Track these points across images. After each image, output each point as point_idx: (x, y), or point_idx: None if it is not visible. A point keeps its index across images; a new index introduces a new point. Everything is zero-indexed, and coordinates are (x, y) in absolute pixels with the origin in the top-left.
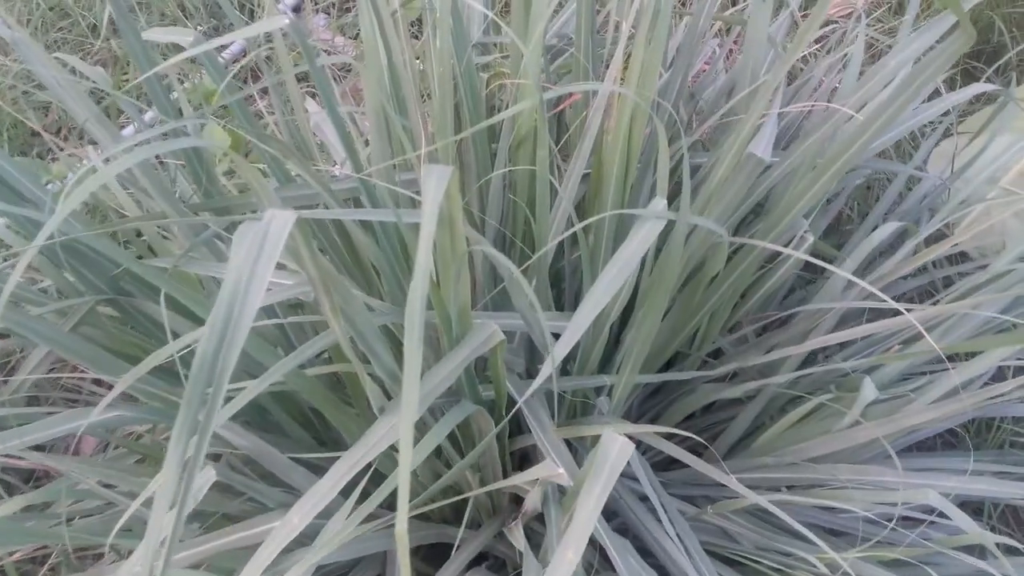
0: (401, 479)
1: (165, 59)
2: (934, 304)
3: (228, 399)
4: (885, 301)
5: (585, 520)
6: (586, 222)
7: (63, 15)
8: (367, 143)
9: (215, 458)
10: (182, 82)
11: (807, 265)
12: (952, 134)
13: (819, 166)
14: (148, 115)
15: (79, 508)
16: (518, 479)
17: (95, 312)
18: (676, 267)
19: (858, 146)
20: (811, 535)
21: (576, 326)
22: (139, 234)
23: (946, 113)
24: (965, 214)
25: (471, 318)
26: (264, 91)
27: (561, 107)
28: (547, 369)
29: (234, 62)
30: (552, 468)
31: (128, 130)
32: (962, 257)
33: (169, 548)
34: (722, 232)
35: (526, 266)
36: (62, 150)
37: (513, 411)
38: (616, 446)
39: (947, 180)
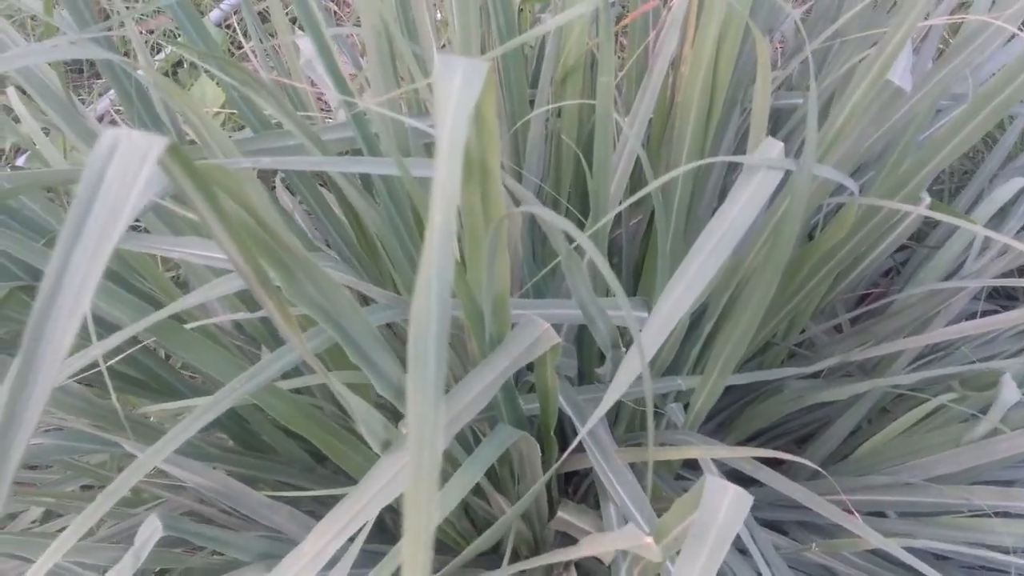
0: None
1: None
2: None
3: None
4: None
5: None
6: (668, 176)
7: None
8: (369, 84)
9: (179, 489)
10: (176, 35)
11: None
12: None
13: (972, 103)
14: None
15: None
16: (588, 550)
17: (17, 299)
18: (792, 237)
19: None
20: None
21: (660, 322)
22: None
23: None
24: None
25: (510, 311)
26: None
27: (626, 20)
28: (622, 382)
29: (234, 14)
30: (637, 536)
31: (103, 103)
32: None
33: None
34: (854, 187)
35: (589, 232)
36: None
37: (573, 444)
38: (725, 501)
39: None
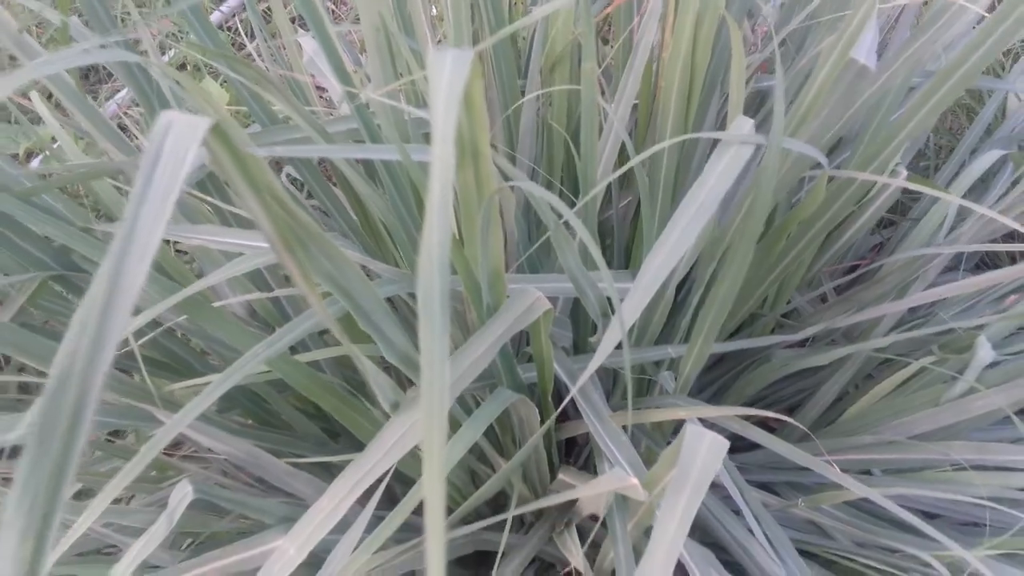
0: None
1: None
2: None
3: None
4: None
5: (668, 546)
6: (649, 151)
7: None
8: (369, 79)
9: (204, 464)
10: (179, 39)
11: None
12: None
13: (935, 79)
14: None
15: None
16: (580, 492)
17: (48, 290)
18: (765, 207)
19: (987, 48)
20: (935, 532)
21: (644, 287)
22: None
23: None
24: None
25: (505, 283)
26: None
27: (610, 8)
28: (608, 343)
29: (233, 16)
30: (623, 478)
31: (111, 107)
32: None
33: None
34: (823, 160)
35: (575, 209)
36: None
37: (565, 402)
38: (704, 445)
39: None
